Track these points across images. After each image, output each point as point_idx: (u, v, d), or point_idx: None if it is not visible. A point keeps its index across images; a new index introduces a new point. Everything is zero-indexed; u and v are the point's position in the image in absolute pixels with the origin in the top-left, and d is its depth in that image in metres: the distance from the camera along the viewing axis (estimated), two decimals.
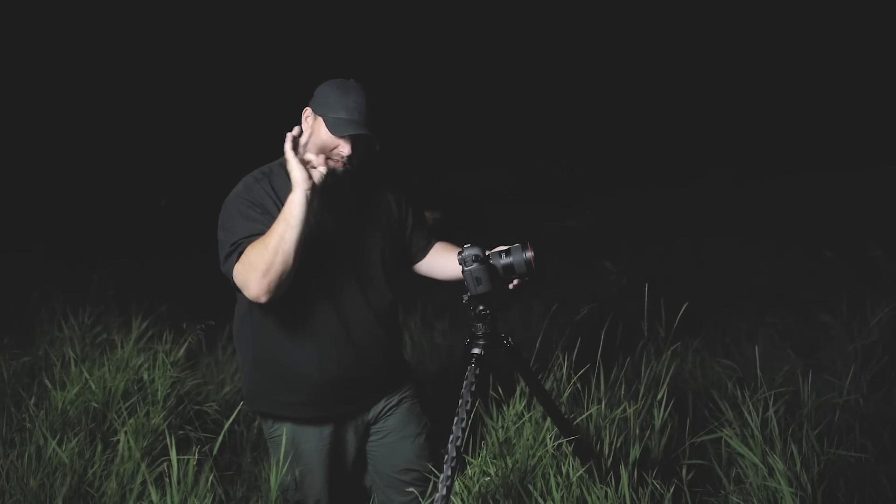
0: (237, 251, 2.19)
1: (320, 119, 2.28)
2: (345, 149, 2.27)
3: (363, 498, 2.67)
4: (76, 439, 2.90)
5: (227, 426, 2.74)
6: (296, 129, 2.20)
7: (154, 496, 2.45)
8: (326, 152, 2.28)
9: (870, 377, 3.49)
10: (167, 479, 2.50)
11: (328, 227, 2.35)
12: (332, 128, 2.24)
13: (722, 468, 2.77)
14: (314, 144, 2.30)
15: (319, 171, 2.19)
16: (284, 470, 2.47)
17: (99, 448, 2.92)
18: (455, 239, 2.63)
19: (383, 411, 2.56)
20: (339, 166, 2.30)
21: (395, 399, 2.57)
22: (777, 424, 2.61)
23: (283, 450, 2.43)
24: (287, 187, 2.23)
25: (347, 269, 2.38)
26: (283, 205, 2.21)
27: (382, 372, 2.51)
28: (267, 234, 2.14)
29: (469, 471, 2.61)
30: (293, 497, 2.49)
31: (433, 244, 2.63)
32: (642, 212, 8.42)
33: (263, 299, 2.15)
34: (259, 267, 2.12)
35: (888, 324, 3.88)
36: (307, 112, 2.32)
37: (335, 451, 2.48)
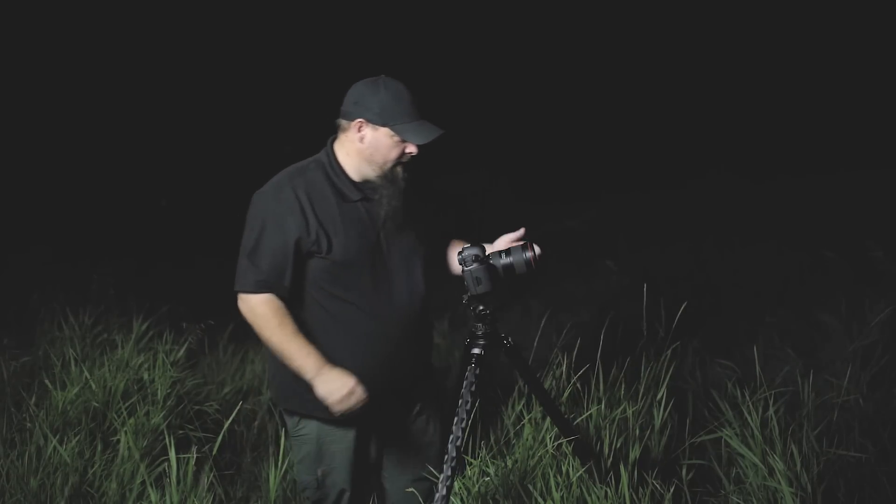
0: (253, 288, 2.28)
1: (384, 129, 2.26)
2: (412, 148, 2.29)
3: (377, 499, 2.67)
4: (76, 439, 2.90)
5: (226, 426, 2.75)
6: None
7: (153, 496, 2.45)
8: (391, 160, 2.29)
9: (869, 377, 3.48)
10: (167, 479, 2.50)
11: (368, 233, 2.33)
12: (414, 137, 2.25)
13: (722, 468, 2.77)
14: (381, 156, 2.29)
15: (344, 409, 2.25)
16: (306, 469, 2.46)
17: (99, 448, 2.92)
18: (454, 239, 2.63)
19: (404, 419, 2.54)
20: (402, 168, 2.31)
21: (418, 407, 2.56)
22: (777, 424, 2.61)
23: (279, 445, 2.44)
24: (320, 192, 2.28)
25: (391, 272, 2.37)
26: (311, 207, 2.26)
27: (414, 377, 2.50)
28: (280, 337, 2.26)
29: (469, 471, 2.61)
30: (313, 496, 2.48)
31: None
32: (642, 212, 8.41)
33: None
34: (257, 329, 2.30)
35: (888, 324, 3.87)
36: (361, 123, 2.27)
37: (359, 453, 2.48)
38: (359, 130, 2.28)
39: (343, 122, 2.33)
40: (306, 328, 2.34)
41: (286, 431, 2.58)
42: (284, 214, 2.26)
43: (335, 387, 2.21)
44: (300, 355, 2.25)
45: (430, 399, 2.60)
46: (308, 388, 2.36)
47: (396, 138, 2.27)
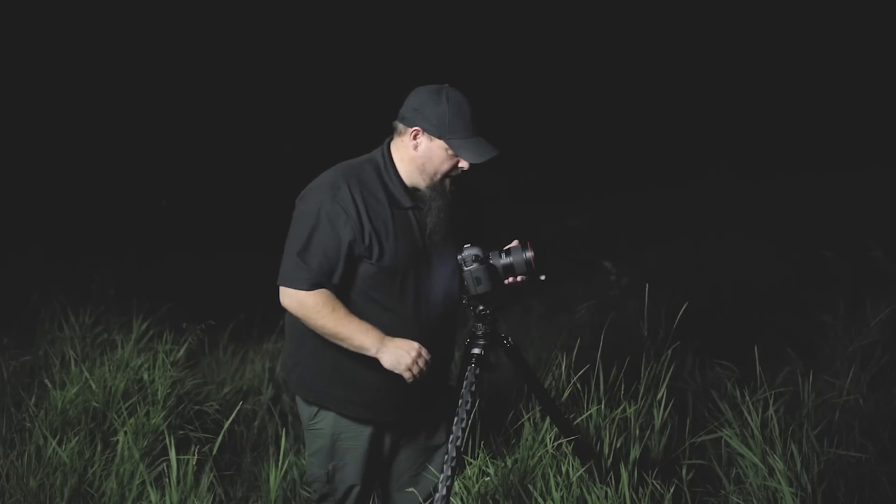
0: (301, 284, 2.25)
1: (439, 141, 2.25)
2: (465, 164, 2.27)
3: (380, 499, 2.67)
4: (76, 439, 2.90)
5: (226, 426, 2.75)
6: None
7: (153, 496, 2.45)
8: (447, 174, 2.29)
9: (870, 377, 3.48)
10: (166, 480, 2.50)
11: (417, 242, 2.32)
12: (469, 155, 2.24)
13: (722, 468, 2.78)
14: (432, 168, 2.28)
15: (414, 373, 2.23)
16: (317, 462, 2.46)
17: (99, 448, 2.92)
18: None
19: (422, 420, 2.54)
20: (450, 183, 2.30)
21: (435, 411, 2.55)
22: (777, 424, 2.61)
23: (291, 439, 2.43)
24: (375, 196, 2.26)
25: (433, 280, 2.35)
26: (367, 211, 2.24)
27: (436, 387, 2.48)
28: (333, 322, 2.23)
29: (469, 471, 2.61)
30: (321, 489, 2.48)
31: None
32: (642, 212, 8.41)
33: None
34: (307, 319, 2.27)
35: (888, 324, 3.87)
36: (417, 132, 2.26)
37: (372, 451, 2.47)
38: (414, 138, 2.27)
39: (400, 126, 2.31)
40: None
41: (301, 422, 2.56)
42: (339, 215, 2.24)
43: (401, 354, 2.21)
44: (358, 334, 2.23)
45: (447, 404, 2.59)
46: (329, 384, 2.38)
47: (450, 152, 2.25)
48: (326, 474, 2.44)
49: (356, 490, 2.47)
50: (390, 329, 2.28)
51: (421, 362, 2.22)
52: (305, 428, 2.50)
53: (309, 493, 2.86)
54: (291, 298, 2.27)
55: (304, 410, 2.48)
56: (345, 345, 2.26)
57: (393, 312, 2.31)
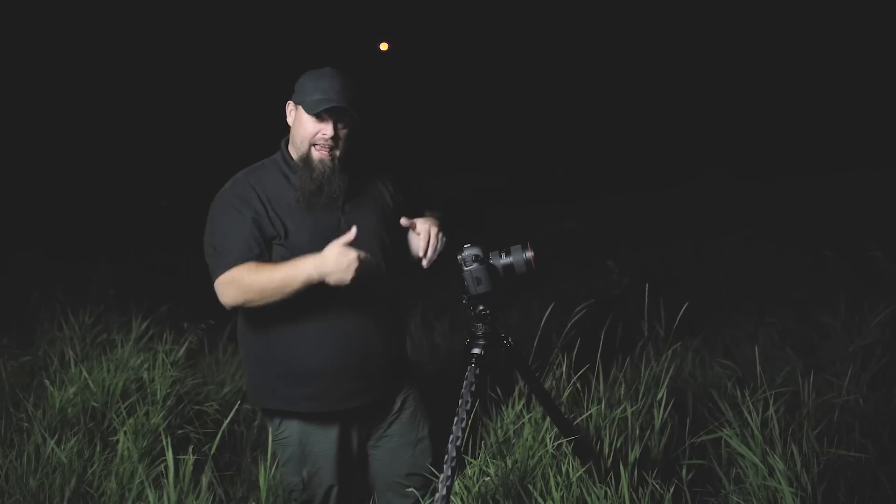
0: (225, 268, 2.25)
1: (300, 107, 2.33)
2: (327, 129, 2.30)
3: (366, 496, 2.66)
4: (75, 439, 2.90)
5: (225, 425, 2.74)
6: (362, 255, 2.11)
7: (150, 497, 2.45)
8: (312, 140, 2.32)
9: (870, 377, 3.48)
10: (164, 480, 2.50)
11: (326, 217, 2.35)
12: (308, 108, 2.29)
13: (722, 468, 2.77)
14: (299, 136, 2.34)
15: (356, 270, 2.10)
16: (291, 471, 2.46)
17: (98, 448, 2.92)
18: (455, 240, 2.62)
19: (386, 416, 2.54)
20: (325, 154, 2.32)
21: (398, 404, 2.55)
22: (777, 424, 2.61)
23: (270, 447, 2.43)
24: (274, 184, 2.33)
25: None
26: (267, 198, 2.30)
27: (386, 364, 2.47)
28: (268, 276, 2.19)
29: (469, 471, 2.60)
30: (300, 497, 2.48)
31: None
32: (642, 212, 8.42)
33: (229, 307, 2.27)
34: (247, 293, 2.22)
35: (888, 324, 3.87)
36: (290, 106, 2.37)
37: (342, 453, 2.47)
38: (290, 112, 2.38)
39: None
40: (271, 322, 2.34)
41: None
42: (240, 204, 2.31)
43: (333, 260, 2.11)
44: (291, 271, 2.17)
45: (412, 393, 2.59)
46: (286, 383, 2.37)
47: (311, 117, 2.30)
48: (302, 481, 2.45)
49: (335, 490, 2.48)
50: (320, 312, 2.30)
51: (354, 258, 2.10)
52: (273, 440, 2.49)
53: None
54: (222, 290, 2.27)
55: (269, 424, 2.50)
56: (292, 290, 2.17)
57: (318, 294, 2.27)
